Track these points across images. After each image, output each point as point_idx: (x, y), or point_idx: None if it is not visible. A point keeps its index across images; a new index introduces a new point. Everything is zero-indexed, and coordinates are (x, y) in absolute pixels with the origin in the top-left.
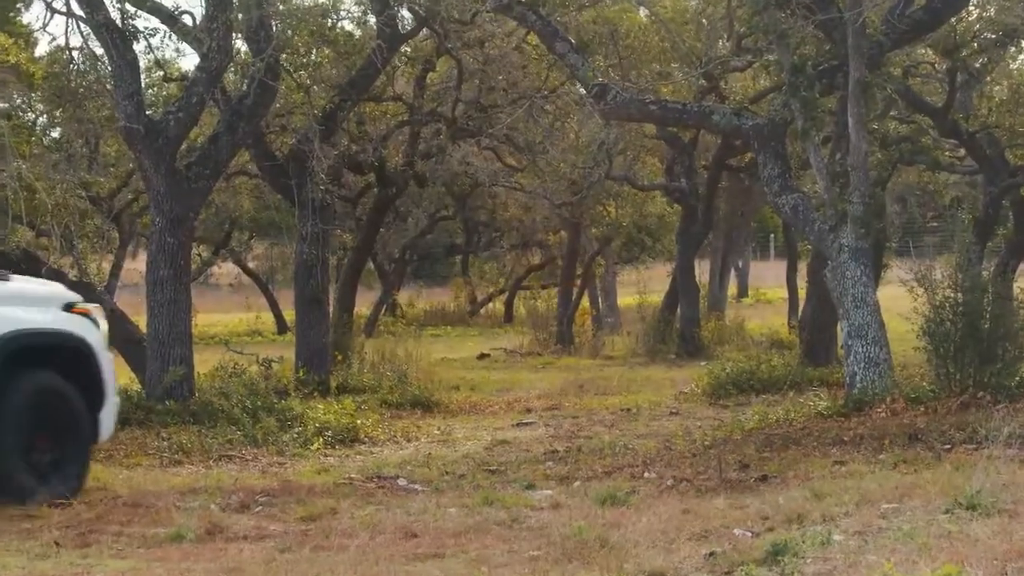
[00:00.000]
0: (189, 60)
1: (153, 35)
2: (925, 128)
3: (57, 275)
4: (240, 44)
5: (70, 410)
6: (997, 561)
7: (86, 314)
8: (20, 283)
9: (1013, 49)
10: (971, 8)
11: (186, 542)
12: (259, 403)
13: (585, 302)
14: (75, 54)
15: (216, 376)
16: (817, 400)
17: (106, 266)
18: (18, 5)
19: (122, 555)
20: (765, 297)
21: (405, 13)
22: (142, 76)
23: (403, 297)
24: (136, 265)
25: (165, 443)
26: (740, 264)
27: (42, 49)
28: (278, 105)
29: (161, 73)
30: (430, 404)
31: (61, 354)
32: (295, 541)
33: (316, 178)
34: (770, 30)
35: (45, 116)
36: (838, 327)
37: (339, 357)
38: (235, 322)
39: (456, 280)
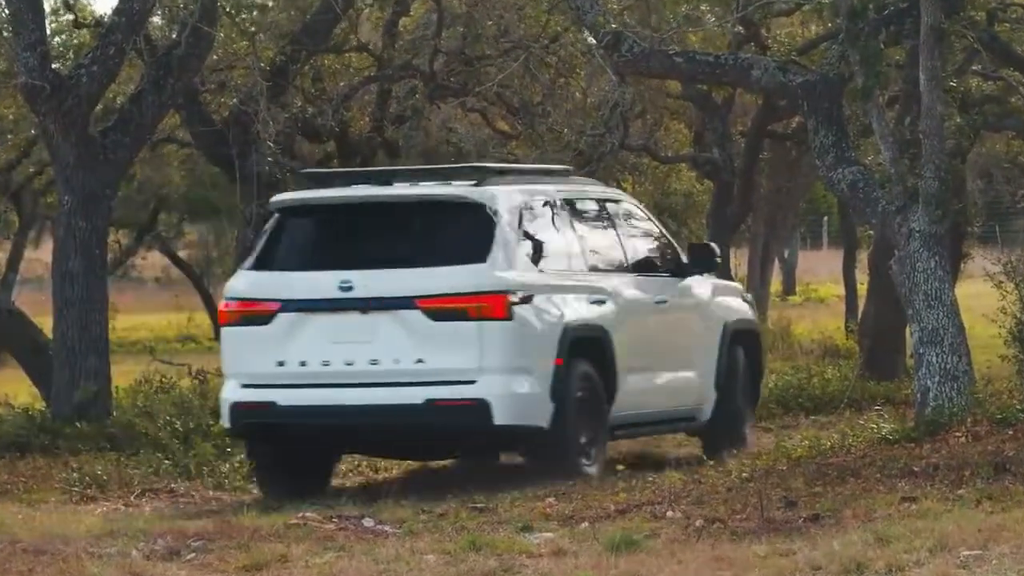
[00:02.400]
0: (105, 1)
1: None
2: (1015, 85)
3: None
4: None
5: None
6: None
7: None
8: None
9: None
10: None
11: None
12: (192, 425)
13: None
14: None
15: (139, 392)
16: (881, 422)
17: (2, 256)
18: None
19: None
20: (816, 295)
21: None
22: (47, 21)
23: None
24: (40, 255)
25: (75, 474)
26: (786, 254)
27: None
28: (215, 57)
29: (71, 17)
30: None
31: None
32: None
33: (263, 147)
34: None
35: None
36: (907, 332)
37: None
38: (163, 325)
39: None
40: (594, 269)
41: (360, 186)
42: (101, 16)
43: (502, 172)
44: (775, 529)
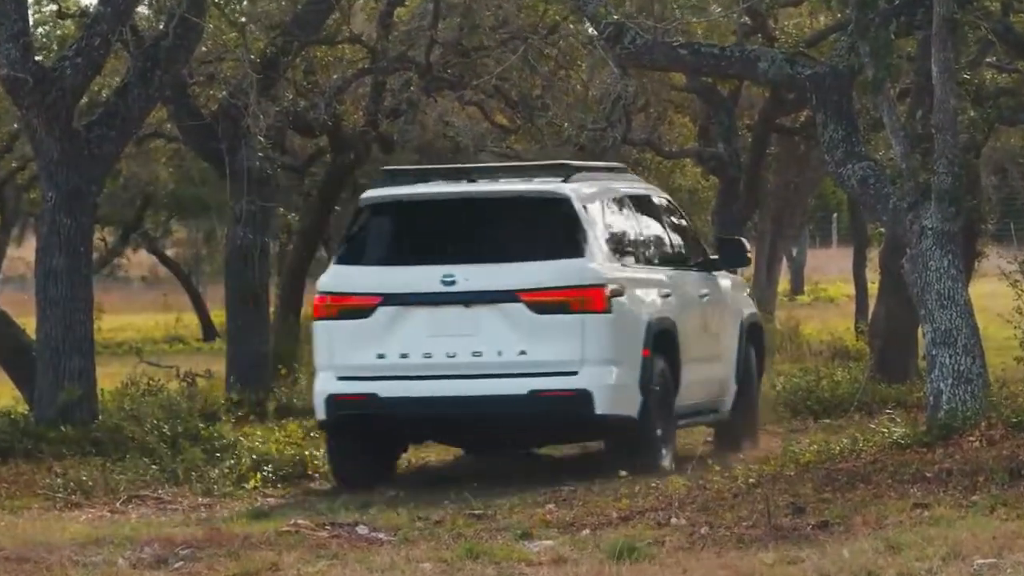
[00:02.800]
0: None
1: None
2: None
3: None
4: None
5: None
6: None
7: None
8: None
9: None
10: None
11: None
12: (180, 429)
13: None
14: None
15: (125, 395)
16: (892, 426)
17: None
18: None
19: None
20: (826, 294)
21: None
22: (30, 11)
23: None
24: (23, 253)
25: (59, 480)
26: (794, 252)
27: None
28: (204, 49)
29: (54, 7)
30: None
31: None
32: None
33: (253, 142)
34: None
35: None
36: (919, 333)
37: (283, 370)
38: (150, 325)
39: None
40: (656, 263)
41: (448, 183)
42: (86, 6)
43: (580, 169)
44: (783, 536)
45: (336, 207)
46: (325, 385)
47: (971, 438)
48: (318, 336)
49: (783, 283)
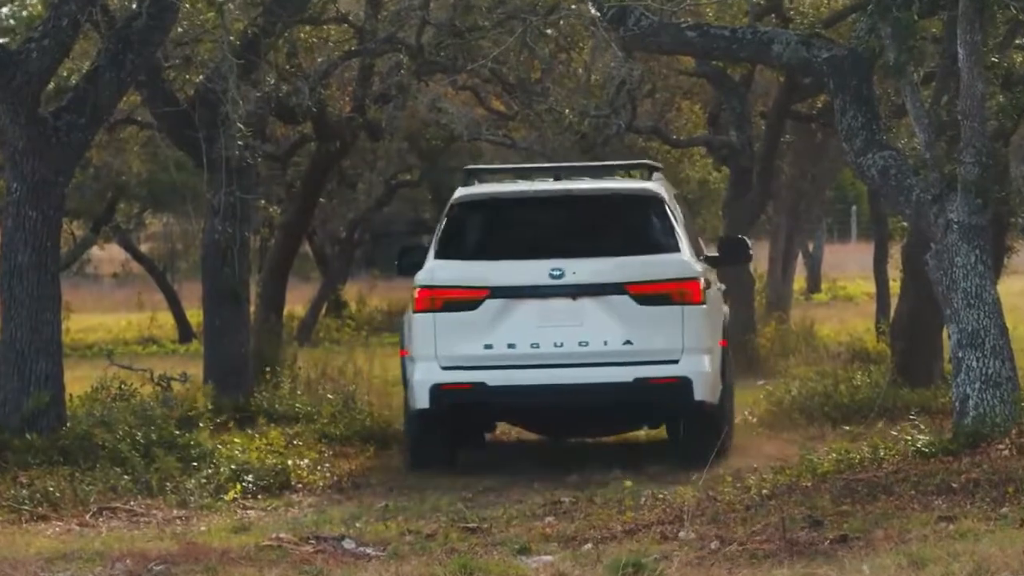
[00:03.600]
0: None
1: None
2: None
3: None
4: None
5: None
6: None
7: None
8: None
9: None
10: None
11: None
12: (154, 437)
13: None
14: None
15: (96, 400)
16: (916, 433)
17: None
18: None
19: None
20: (844, 292)
21: None
22: None
23: (350, 292)
24: None
25: (25, 491)
26: (810, 247)
27: None
28: (180, 30)
29: None
30: (387, 438)
31: None
32: None
33: (232, 129)
34: None
35: None
36: (944, 333)
37: (264, 374)
38: (122, 326)
39: None
40: (702, 258)
41: (540, 181)
42: None
43: (657, 168)
44: (798, 552)
45: (321, 199)
46: (428, 375)
47: (1000, 446)
48: (419, 328)
49: (799, 280)
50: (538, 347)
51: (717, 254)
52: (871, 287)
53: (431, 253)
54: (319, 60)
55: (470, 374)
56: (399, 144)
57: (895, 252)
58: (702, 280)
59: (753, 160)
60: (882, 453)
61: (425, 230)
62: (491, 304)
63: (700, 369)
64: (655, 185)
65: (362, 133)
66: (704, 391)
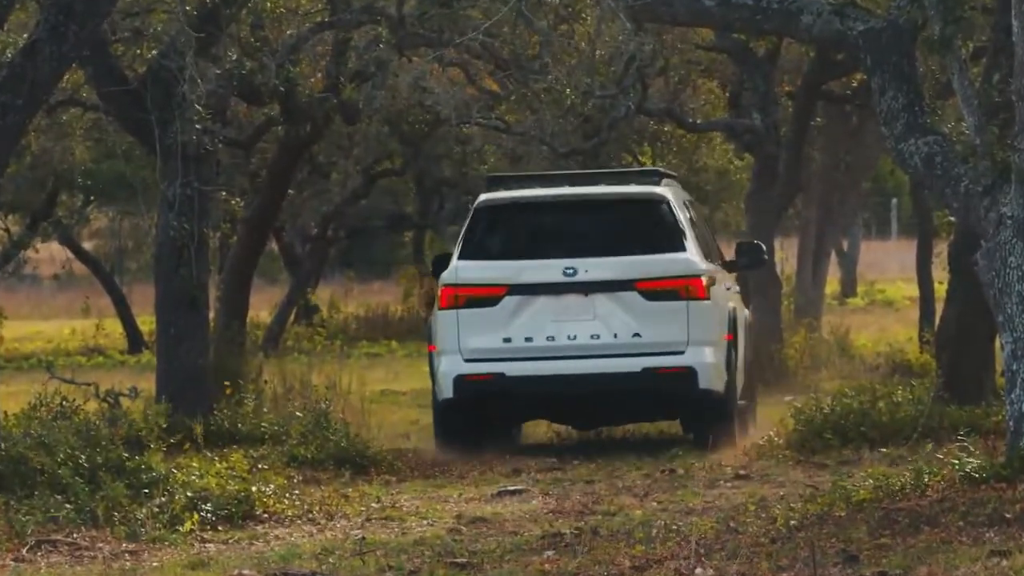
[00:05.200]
0: None
1: None
2: None
3: None
4: None
5: None
6: None
7: None
8: None
9: None
10: None
11: None
12: (100, 460)
13: None
14: None
15: (33, 418)
16: (964, 456)
17: None
18: None
19: None
20: (883, 296)
21: None
22: None
23: (323, 296)
24: None
25: None
26: (845, 246)
27: None
28: None
29: None
30: (364, 462)
31: None
32: None
33: (189, 111)
34: None
35: None
36: (996, 343)
37: (225, 388)
38: (64, 334)
39: (406, 270)
40: (712, 259)
41: (549, 187)
42: None
43: (666, 175)
44: None
45: (290, 190)
46: (453, 367)
47: None
48: (443, 324)
49: (832, 283)
50: (553, 340)
51: (734, 259)
52: (914, 290)
53: (455, 254)
54: (287, 33)
55: (490, 365)
56: (378, 128)
57: (941, 251)
58: (706, 277)
59: (779, 147)
60: (926, 479)
61: (407, 226)
62: (510, 300)
63: (704, 359)
64: (663, 189)
65: (336, 115)
66: (708, 380)
